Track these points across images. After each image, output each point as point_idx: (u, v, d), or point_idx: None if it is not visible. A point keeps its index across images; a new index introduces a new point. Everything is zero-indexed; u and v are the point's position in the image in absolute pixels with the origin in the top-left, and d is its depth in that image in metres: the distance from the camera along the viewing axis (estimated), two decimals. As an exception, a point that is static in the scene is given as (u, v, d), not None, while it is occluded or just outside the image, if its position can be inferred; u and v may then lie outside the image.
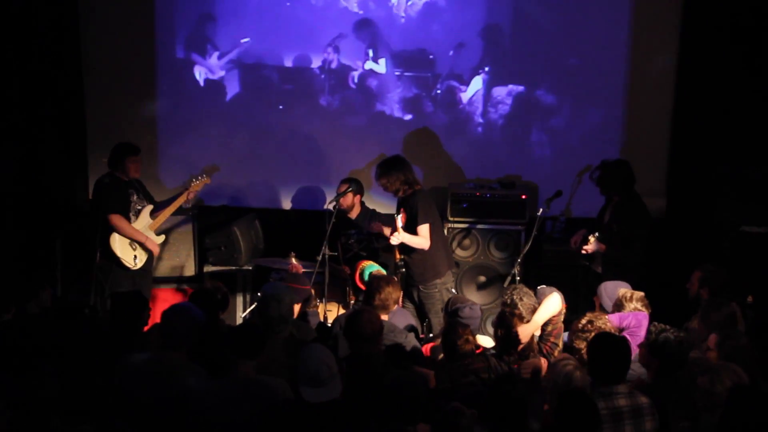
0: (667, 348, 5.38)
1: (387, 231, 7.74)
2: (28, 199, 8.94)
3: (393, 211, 8.82)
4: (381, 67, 9.20)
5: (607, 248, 7.41)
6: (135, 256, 7.89)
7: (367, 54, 9.21)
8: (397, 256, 7.55)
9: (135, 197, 7.94)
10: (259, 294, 7.82)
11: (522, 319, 6.08)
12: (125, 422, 4.63)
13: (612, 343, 5.13)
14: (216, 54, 9.27)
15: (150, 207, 8.02)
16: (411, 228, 7.47)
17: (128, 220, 7.85)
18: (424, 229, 7.51)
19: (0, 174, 8.70)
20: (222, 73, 9.31)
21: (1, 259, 8.67)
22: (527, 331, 6.04)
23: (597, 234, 7.40)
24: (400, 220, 7.39)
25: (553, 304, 6.21)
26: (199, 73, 9.30)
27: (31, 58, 8.81)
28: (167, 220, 8.26)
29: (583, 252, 7.46)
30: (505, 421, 4.60)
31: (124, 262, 7.84)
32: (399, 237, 7.38)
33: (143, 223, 7.95)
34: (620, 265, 7.33)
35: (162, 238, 8.18)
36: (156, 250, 8.04)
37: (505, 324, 5.92)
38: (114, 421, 4.41)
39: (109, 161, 7.92)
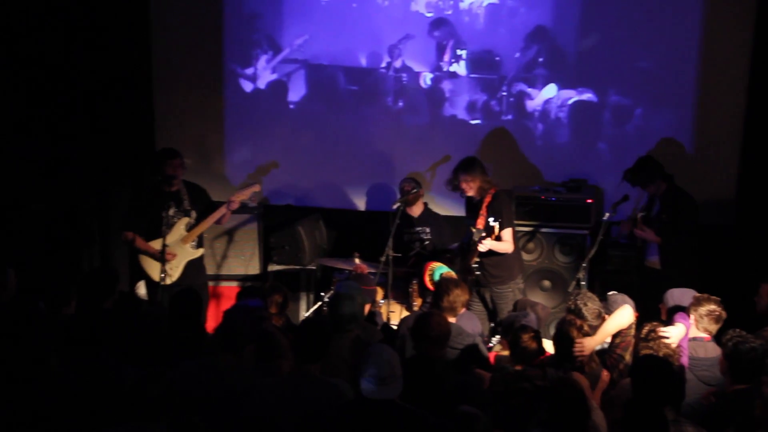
0: (745, 355, 5.30)
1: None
2: (99, 199, 9.13)
3: (450, 212, 8.88)
4: (453, 68, 9.19)
5: (661, 240, 7.37)
6: (164, 272, 7.55)
7: (435, 55, 9.20)
8: (474, 258, 7.50)
9: (172, 210, 7.58)
10: (323, 294, 7.94)
11: (584, 327, 5.98)
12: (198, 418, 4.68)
13: (654, 366, 5.04)
14: (282, 54, 9.33)
15: (186, 219, 7.74)
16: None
17: (155, 233, 7.54)
18: (508, 233, 7.47)
19: (70, 176, 8.89)
20: (288, 73, 9.37)
21: (69, 255, 8.88)
22: (592, 343, 5.92)
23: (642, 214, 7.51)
24: (497, 226, 7.19)
25: (623, 316, 6.11)
26: (266, 74, 9.38)
27: (101, 62, 8.97)
28: (231, 219, 8.22)
29: (638, 233, 7.54)
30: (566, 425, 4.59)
31: (152, 278, 7.73)
32: (487, 244, 7.29)
33: (176, 236, 7.69)
34: (676, 255, 7.36)
35: (200, 251, 7.89)
36: (169, 258, 7.57)
37: (564, 336, 5.86)
38: (188, 417, 4.46)
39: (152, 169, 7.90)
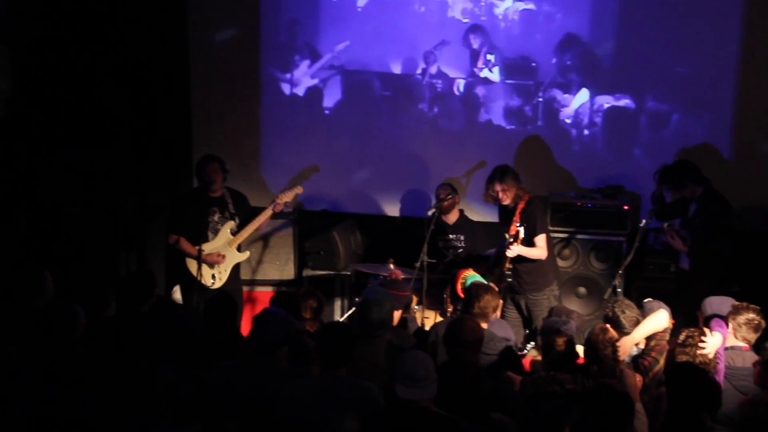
0: None
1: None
2: (137, 205, 9.22)
3: (486, 218, 8.86)
4: (484, 74, 9.19)
5: (691, 244, 7.37)
6: (213, 275, 7.77)
7: (470, 61, 9.20)
8: (507, 264, 7.49)
9: (217, 215, 7.80)
10: (357, 300, 7.95)
11: (622, 334, 5.99)
12: (233, 421, 4.72)
13: (690, 374, 5.01)
14: (318, 61, 9.37)
15: (231, 223, 7.85)
16: (528, 238, 7.43)
17: (201, 238, 7.66)
18: (541, 239, 7.49)
19: (108, 181, 8.98)
20: (324, 79, 9.41)
21: (108, 259, 8.98)
22: (628, 343, 5.94)
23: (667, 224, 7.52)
24: (522, 231, 7.30)
25: (660, 319, 6.08)
26: (302, 80, 9.42)
27: (140, 68, 9.06)
28: (268, 224, 8.27)
29: (668, 240, 7.57)
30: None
31: (201, 281, 7.78)
32: (516, 250, 7.32)
33: (222, 240, 7.81)
34: (706, 260, 7.33)
35: (246, 255, 8.01)
36: (216, 261, 7.78)
37: (592, 347, 5.81)
38: (222, 420, 4.50)
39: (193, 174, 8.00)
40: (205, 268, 7.73)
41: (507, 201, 7.54)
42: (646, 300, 6.49)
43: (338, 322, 7.21)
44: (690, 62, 8.85)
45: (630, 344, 5.99)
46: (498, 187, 7.52)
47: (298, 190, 8.05)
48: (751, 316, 5.99)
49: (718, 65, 8.79)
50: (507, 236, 7.40)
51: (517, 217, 7.40)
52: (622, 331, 6.02)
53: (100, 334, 5.97)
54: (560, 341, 5.76)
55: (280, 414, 5.03)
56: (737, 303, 6.15)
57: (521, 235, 7.27)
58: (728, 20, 8.69)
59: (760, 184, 8.74)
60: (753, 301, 6.31)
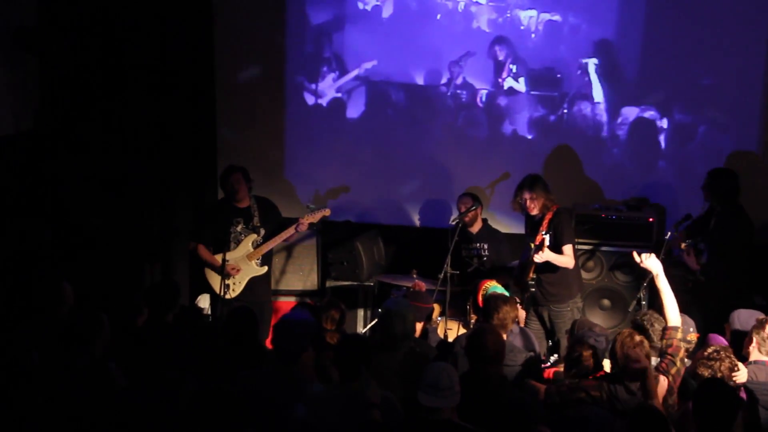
0: None
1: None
2: (161, 214, 9.27)
3: (510, 229, 8.85)
4: (508, 84, 9.19)
5: (706, 261, 7.38)
6: (227, 285, 7.76)
7: (495, 72, 9.20)
8: (531, 274, 7.47)
9: (240, 226, 7.86)
10: (380, 310, 7.95)
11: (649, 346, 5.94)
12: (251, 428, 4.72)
13: (720, 393, 4.96)
14: (344, 73, 9.41)
15: (253, 236, 7.88)
16: (556, 248, 7.42)
17: (223, 247, 7.73)
18: (569, 248, 7.48)
19: (133, 191, 9.04)
20: (348, 90, 9.43)
21: (132, 268, 9.02)
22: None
23: (689, 241, 7.52)
24: (548, 239, 7.28)
25: (676, 312, 6.08)
26: (327, 90, 9.46)
27: (164, 77, 9.10)
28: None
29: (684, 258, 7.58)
30: None
31: (216, 290, 7.86)
32: (544, 256, 7.30)
33: (242, 252, 7.84)
34: (722, 273, 7.35)
35: (264, 269, 7.97)
36: (230, 273, 7.75)
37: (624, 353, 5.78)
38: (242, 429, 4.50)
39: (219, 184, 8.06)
40: (218, 277, 7.76)
41: (535, 211, 7.52)
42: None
43: (355, 334, 7.18)
44: (716, 74, 8.84)
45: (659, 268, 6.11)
46: (527, 195, 7.51)
47: (326, 212, 8.06)
48: None
49: (745, 77, 8.77)
50: (532, 246, 7.37)
51: (543, 227, 7.38)
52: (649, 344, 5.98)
53: (129, 342, 6.01)
54: (587, 354, 5.73)
55: (300, 423, 5.02)
56: (762, 316, 6.08)
57: (546, 243, 7.25)
58: (755, 32, 8.68)
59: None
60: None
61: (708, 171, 7.74)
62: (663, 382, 5.80)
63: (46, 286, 6.39)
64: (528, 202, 7.51)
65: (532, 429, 4.78)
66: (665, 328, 6.05)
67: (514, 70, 9.15)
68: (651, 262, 6.30)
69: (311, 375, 5.64)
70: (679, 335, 6.04)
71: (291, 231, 7.88)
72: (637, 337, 5.72)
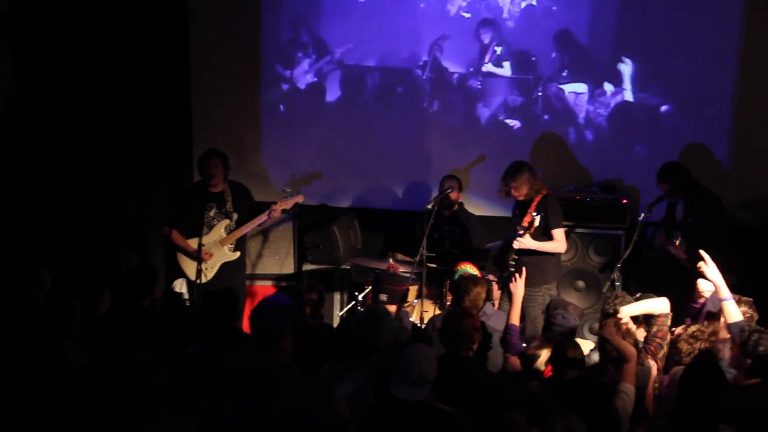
0: (760, 347, 5.26)
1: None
2: (138, 199, 9.22)
3: (485, 212, 8.86)
4: (487, 68, 9.16)
5: (689, 248, 7.39)
6: (199, 271, 7.64)
7: (471, 56, 9.17)
8: (512, 255, 7.46)
9: (213, 211, 7.83)
10: (356, 293, 7.92)
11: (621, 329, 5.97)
12: (232, 406, 4.68)
13: (707, 372, 4.98)
14: (320, 57, 9.36)
15: (226, 221, 7.89)
16: (545, 232, 7.45)
17: (196, 232, 7.69)
18: (559, 233, 7.53)
19: (109, 176, 8.98)
20: (324, 73, 9.39)
21: (108, 254, 8.97)
22: (627, 311, 5.97)
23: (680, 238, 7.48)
24: (538, 219, 7.29)
25: (660, 302, 6.09)
26: (303, 75, 9.41)
27: (140, 64, 9.06)
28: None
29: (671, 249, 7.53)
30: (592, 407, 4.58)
31: (187, 274, 7.88)
32: (526, 243, 7.33)
33: (215, 237, 7.84)
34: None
35: (236, 255, 7.98)
36: (202, 257, 7.69)
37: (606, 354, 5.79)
38: (222, 405, 4.46)
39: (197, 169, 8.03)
40: (191, 262, 7.76)
41: (520, 198, 7.57)
42: (639, 294, 6.48)
43: (319, 325, 7.10)
44: (690, 59, 8.83)
45: (626, 314, 5.97)
46: (511, 185, 7.53)
47: (299, 199, 8.07)
48: (743, 309, 5.97)
49: (717, 61, 8.78)
50: (519, 227, 7.39)
51: (532, 209, 7.41)
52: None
53: (96, 328, 5.96)
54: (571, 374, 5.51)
55: (276, 407, 4.98)
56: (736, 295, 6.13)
57: (536, 223, 7.27)
58: (727, 16, 8.69)
59: (756, 179, 8.72)
60: (748, 293, 6.30)
61: (658, 172, 7.77)
62: (653, 365, 5.87)
63: (22, 271, 6.34)
64: (513, 191, 7.54)
65: (504, 414, 4.74)
66: (657, 315, 6.06)
67: (499, 53, 9.11)
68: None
69: (289, 359, 5.53)
70: (669, 322, 6.09)
71: (263, 217, 7.91)
72: (623, 328, 5.80)
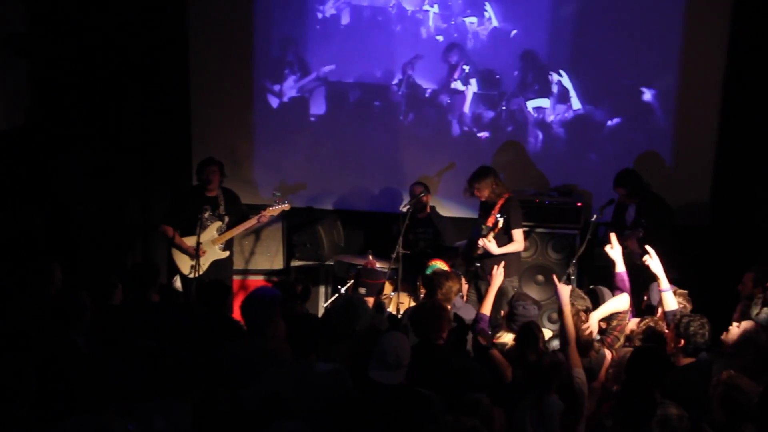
0: (691, 328, 5.37)
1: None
2: (141, 201, 9.17)
3: (455, 214, 8.90)
4: (455, 85, 9.18)
5: (640, 240, 7.44)
6: (192, 266, 7.69)
7: (442, 74, 9.19)
8: (479, 250, 7.49)
9: (207, 213, 7.79)
10: (339, 286, 7.91)
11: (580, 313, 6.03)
12: (227, 391, 4.65)
13: (650, 357, 5.06)
14: (305, 74, 9.35)
15: (218, 223, 7.89)
16: (506, 232, 7.49)
17: (188, 231, 7.75)
18: (518, 233, 7.59)
19: (115, 180, 8.94)
20: (310, 89, 9.37)
21: (114, 251, 8.92)
22: (594, 320, 6.02)
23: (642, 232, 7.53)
24: (502, 221, 7.33)
25: (620, 301, 6.15)
26: (290, 90, 9.39)
27: (145, 77, 9.04)
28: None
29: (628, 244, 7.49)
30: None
31: (180, 269, 7.90)
32: (492, 249, 7.37)
33: (208, 236, 7.82)
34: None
35: (226, 254, 8.00)
36: (202, 255, 7.73)
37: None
38: (217, 390, 4.44)
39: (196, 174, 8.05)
40: (185, 258, 7.80)
41: (483, 198, 7.64)
42: (591, 287, 6.53)
43: (308, 314, 7.09)
44: (636, 75, 8.92)
45: (595, 320, 6.04)
46: (474, 186, 7.61)
47: (285, 207, 8.10)
48: (679, 300, 6.09)
49: (661, 79, 8.87)
50: (483, 226, 7.43)
51: (495, 211, 7.45)
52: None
53: (107, 320, 5.92)
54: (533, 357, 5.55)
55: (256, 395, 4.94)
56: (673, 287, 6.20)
57: (500, 225, 7.31)
58: (669, 37, 8.76)
59: (697, 185, 8.83)
60: (690, 287, 6.37)
61: (615, 176, 7.82)
62: (608, 355, 5.93)
63: (36, 267, 6.30)
64: (475, 191, 7.62)
65: (470, 396, 4.74)
66: (618, 313, 6.13)
67: (466, 71, 9.13)
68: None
69: (285, 346, 5.49)
70: (627, 317, 6.17)
71: (253, 221, 7.98)
72: (583, 315, 5.90)
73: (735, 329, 5.56)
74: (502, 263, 7.00)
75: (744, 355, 5.43)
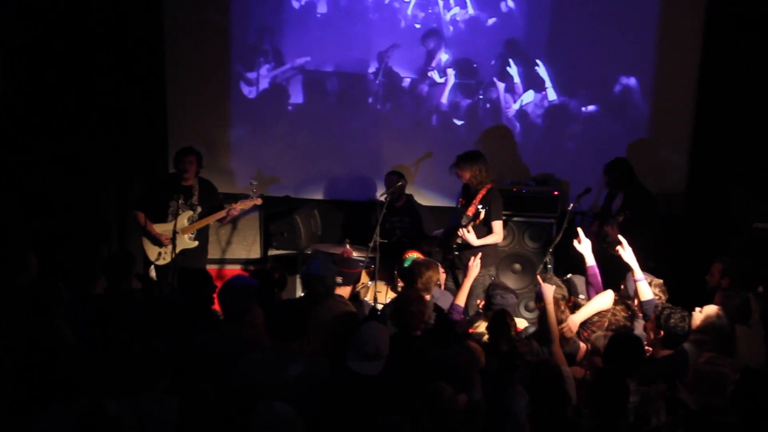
0: (671, 320, 5.46)
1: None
2: (116, 190, 9.12)
3: (432, 202, 8.89)
4: (432, 74, 9.18)
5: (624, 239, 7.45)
6: (159, 253, 7.78)
7: (419, 62, 9.19)
8: (458, 240, 7.49)
9: (180, 201, 7.79)
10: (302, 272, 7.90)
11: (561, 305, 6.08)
12: (202, 380, 4.63)
13: (628, 342, 5.15)
14: (281, 62, 9.31)
15: (189, 213, 7.86)
16: (485, 222, 7.48)
17: (159, 218, 7.79)
18: (498, 224, 7.56)
19: (91, 169, 8.87)
20: (288, 78, 9.34)
21: (89, 240, 8.86)
22: (574, 322, 6.08)
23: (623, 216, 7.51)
24: (483, 213, 7.32)
25: (604, 299, 6.19)
26: (268, 79, 9.35)
27: (120, 65, 8.95)
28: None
29: (609, 231, 7.51)
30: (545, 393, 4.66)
31: (148, 255, 7.90)
32: (472, 240, 7.35)
33: (178, 225, 7.79)
34: (636, 245, 7.40)
35: (195, 243, 7.96)
36: (164, 242, 7.77)
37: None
38: (198, 384, 4.43)
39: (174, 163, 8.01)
40: (153, 245, 7.81)
41: (464, 180, 7.63)
42: (568, 276, 6.56)
43: (292, 299, 7.10)
44: (613, 65, 8.95)
45: (576, 323, 6.06)
46: (459, 166, 7.60)
47: (257, 201, 8.05)
48: (654, 291, 6.16)
49: (637, 69, 8.91)
50: (464, 216, 7.43)
51: (477, 201, 7.45)
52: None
53: (87, 310, 5.89)
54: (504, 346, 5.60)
55: (241, 381, 4.94)
56: (649, 276, 6.25)
57: (481, 216, 7.30)
58: (645, 26, 8.80)
59: (672, 175, 8.90)
60: (665, 276, 6.42)
61: (604, 166, 7.82)
62: (582, 346, 5.99)
63: (11, 255, 6.23)
64: (458, 170, 7.61)
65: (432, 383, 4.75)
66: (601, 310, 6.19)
67: (444, 60, 9.13)
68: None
69: (262, 334, 5.48)
70: (609, 313, 6.18)
71: (223, 213, 7.93)
72: (561, 304, 6.03)
73: (697, 314, 5.62)
74: (479, 254, 7.06)
75: (706, 340, 5.49)
